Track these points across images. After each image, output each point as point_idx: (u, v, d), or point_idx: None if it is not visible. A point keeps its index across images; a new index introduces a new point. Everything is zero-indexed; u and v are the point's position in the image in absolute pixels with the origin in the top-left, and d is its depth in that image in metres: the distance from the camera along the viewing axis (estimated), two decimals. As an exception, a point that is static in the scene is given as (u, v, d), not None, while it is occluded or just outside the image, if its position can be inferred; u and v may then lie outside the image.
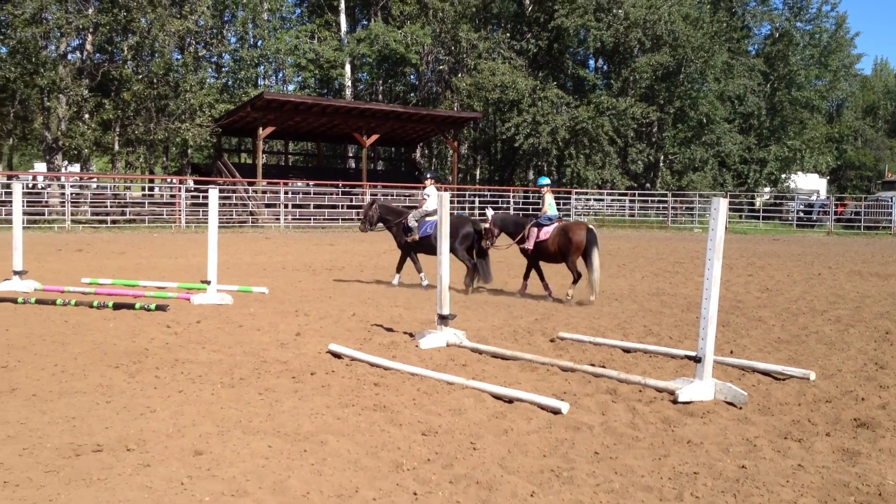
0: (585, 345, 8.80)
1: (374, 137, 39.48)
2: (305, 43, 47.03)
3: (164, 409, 5.92)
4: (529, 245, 13.35)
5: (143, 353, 7.83)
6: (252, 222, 34.03)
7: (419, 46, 46.61)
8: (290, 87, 51.45)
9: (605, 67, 51.61)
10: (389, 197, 37.57)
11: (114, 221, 31.96)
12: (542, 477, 4.73)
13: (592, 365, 7.62)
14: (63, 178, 34.82)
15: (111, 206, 33.70)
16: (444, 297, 8.74)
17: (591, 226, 13.08)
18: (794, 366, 7.69)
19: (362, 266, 18.02)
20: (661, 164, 49.87)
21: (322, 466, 4.81)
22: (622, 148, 46.70)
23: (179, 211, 33.03)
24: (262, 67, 47.75)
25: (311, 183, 38.55)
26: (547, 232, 13.20)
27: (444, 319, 8.71)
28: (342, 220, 35.73)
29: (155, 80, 36.81)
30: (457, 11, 46.65)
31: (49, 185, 35.50)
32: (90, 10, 35.47)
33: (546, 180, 14.29)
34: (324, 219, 35.67)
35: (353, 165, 50.15)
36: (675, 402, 6.36)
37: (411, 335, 9.10)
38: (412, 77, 53.70)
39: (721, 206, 6.39)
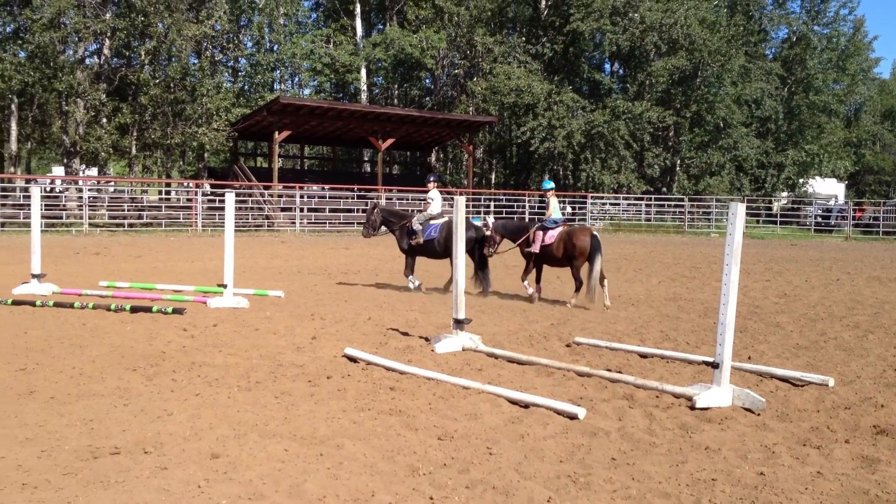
0: (602, 350, 8.77)
1: (390, 141, 39.52)
2: (321, 47, 47.19)
3: (181, 412, 5.94)
4: (536, 248, 13.40)
5: (160, 357, 7.86)
6: (268, 226, 34.13)
7: (434, 51, 46.65)
8: (306, 92, 51.67)
9: (621, 71, 51.47)
10: (404, 201, 37.63)
11: (131, 225, 32.13)
12: (559, 483, 4.71)
13: (609, 370, 7.59)
14: (81, 182, 35.04)
15: (128, 210, 33.88)
16: (460, 301, 8.74)
17: (595, 231, 13.07)
18: (812, 372, 7.64)
19: (377, 270, 18.04)
20: (678, 168, 49.65)
21: (338, 470, 4.80)
22: (638, 152, 46.54)
23: (196, 214, 33.17)
24: (279, 72, 47.91)
25: (327, 187, 38.64)
26: (552, 236, 13.23)
27: (459, 324, 8.70)
28: (357, 224, 35.76)
29: (172, 85, 37.01)
30: (472, 16, 46.65)
31: (67, 189, 35.74)
32: (108, 15, 35.73)
33: (551, 184, 14.28)
34: (339, 223, 35.73)
35: (369, 169, 50.24)
36: (692, 408, 6.32)
37: (427, 339, 9.09)
38: (427, 81, 53.75)
39: (739, 210, 6.36)
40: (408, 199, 38.51)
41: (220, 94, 38.77)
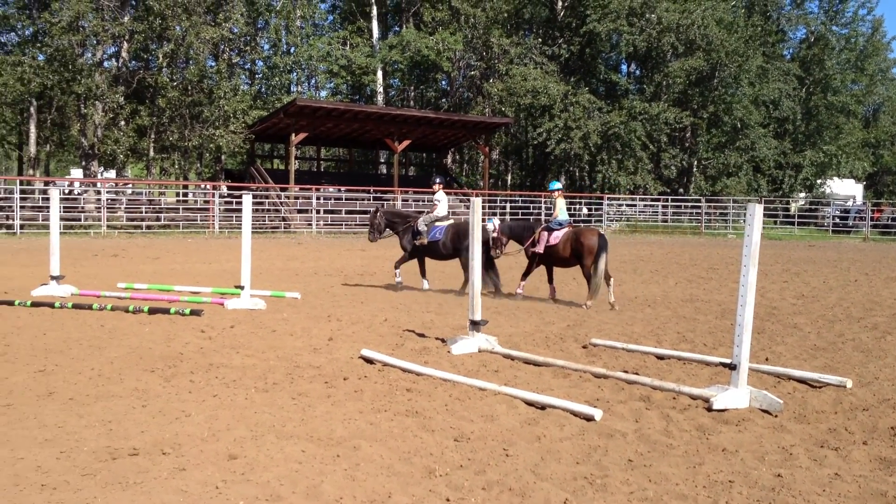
0: (618, 351, 8.75)
1: (406, 143, 39.56)
2: (338, 49, 47.33)
3: (198, 413, 5.97)
4: (540, 249, 13.48)
5: (177, 358, 7.90)
6: (284, 228, 34.24)
7: (451, 52, 46.67)
8: (323, 94, 51.79)
9: (638, 72, 51.35)
10: (420, 202, 37.65)
11: (148, 227, 32.31)
12: (576, 484, 4.70)
13: (626, 372, 7.58)
14: (99, 184, 35.27)
15: (146, 212, 34.06)
16: (476, 302, 8.74)
17: (601, 231, 13.12)
18: (830, 373, 7.59)
19: (394, 272, 18.06)
20: (695, 169, 49.46)
21: (355, 472, 4.82)
22: (655, 153, 46.41)
23: (213, 216, 33.33)
24: (295, 74, 48.09)
25: (343, 189, 38.73)
26: (557, 237, 13.29)
27: (475, 325, 8.70)
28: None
29: (189, 87, 37.19)
30: (488, 17, 46.63)
31: (85, 191, 35.98)
32: (126, 18, 35.96)
33: (557, 185, 14.30)
34: (355, 224, 35.78)
35: (385, 171, 50.31)
36: (709, 409, 6.30)
37: (443, 341, 9.10)
38: (443, 83, 53.79)
39: (757, 211, 6.33)
40: (424, 201, 38.52)
41: (238, 97, 38.94)
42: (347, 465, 4.92)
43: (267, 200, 35.79)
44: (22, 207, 29.72)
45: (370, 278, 16.59)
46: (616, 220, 43.00)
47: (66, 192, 36.83)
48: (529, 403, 6.40)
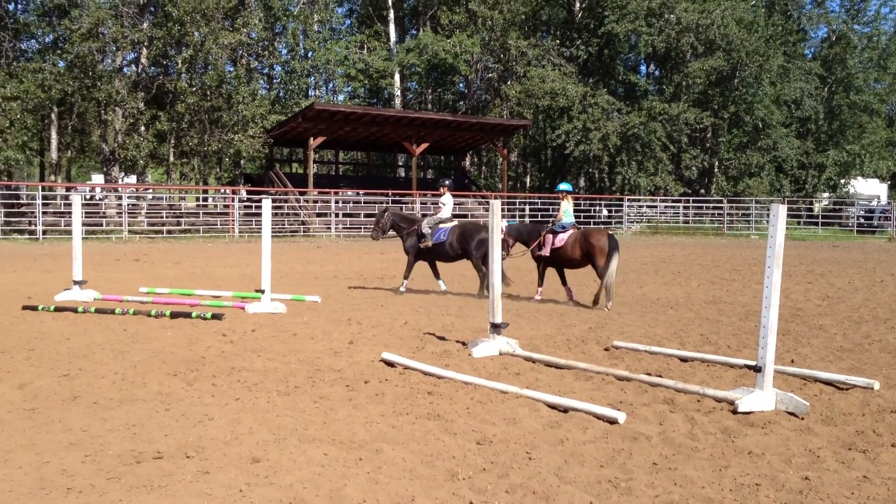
0: (641, 354, 8.70)
1: (424, 146, 39.58)
2: (355, 53, 47.44)
3: (221, 416, 5.98)
4: (546, 251, 13.48)
5: (200, 362, 7.92)
6: (304, 231, 34.33)
7: (468, 55, 46.68)
8: (340, 98, 51.93)
9: (657, 73, 51.16)
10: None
11: (169, 231, 32.49)
12: (600, 487, 4.67)
13: (649, 374, 7.52)
14: (120, 190, 35.51)
15: (167, 217, 34.25)
16: (497, 305, 8.71)
17: (610, 232, 13.13)
18: (857, 375, 7.52)
19: (413, 275, 18.05)
20: (716, 169, 49.21)
21: (378, 475, 4.81)
22: (675, 154, 46.21)
23: (233, 221, 33.47)
24: (313, 78, 48.24)
25: (362, 192, 38.79)
26: (562, 239, 13.30)
27: (496, 328, 8.67)
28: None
29: (208, 93, 37.40)
30: (506, 19, 46.59)
31: (106, 197, 36.23)
32: (145, 25, 36.20)
33: (565, 186, 14.17)
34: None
35: (403, 174, 50.34)
36: (734, 412, 6.24)
37: (464, 344, 9.08)
38: (461, 85, 53.81)
39: (780, 212, 6.27)
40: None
41: (256, 102, 39.11)
42: (370, 469, 4.91)
43: (286, 204, 35.90)
44: (44, 213, 29.95)
45: (390, 281, 16.59)
46: (637, 222, 42.83)
47: (88, 197, 37.15)
48: (552, 406, 6.37)
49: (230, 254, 24.38)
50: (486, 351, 8.54)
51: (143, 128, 36.58)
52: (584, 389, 7.06)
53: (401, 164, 52.34)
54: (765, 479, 4.81)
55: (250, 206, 34.54)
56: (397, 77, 48.51)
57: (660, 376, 7.44)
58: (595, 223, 41.22)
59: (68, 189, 36.93)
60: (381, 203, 36.89)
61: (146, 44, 36.52)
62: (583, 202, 43.32)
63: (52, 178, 39.44)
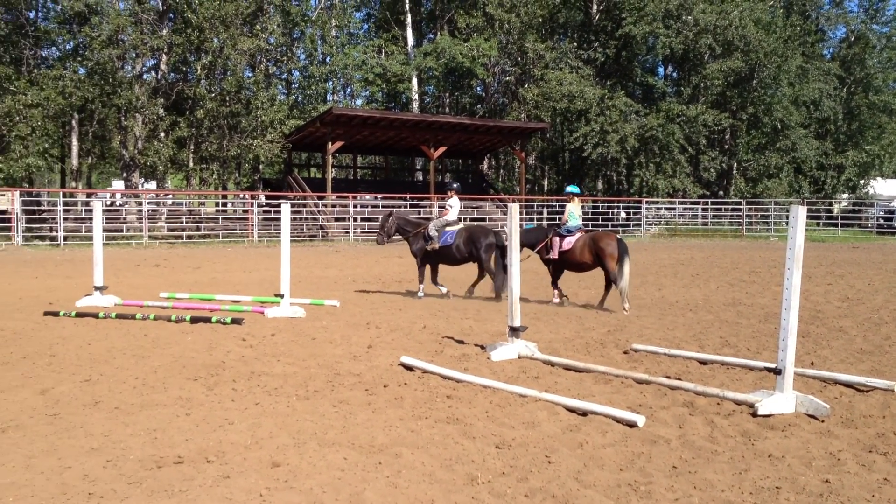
0: (660, 356, 8.67)
1: (442, 150, 39.62)
2: (373, 58, 47.58)
3: (241, 421, 6.01)
4: (554, 255, 13.57)
5: (220, 366, 7.97)
6: (322, 236, 34.42)
7: (485, 58, 46.69)
8: (358, 102, 52.09)
9: (675, 74, 50.94)
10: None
11: (189, 237, 32.67)
12: (620, 491, 4.66)
13: (668, 377, 7.50)
14: (140, 196, 35.74)
15: (186, 222, 34.44)
16: (515, 308, 8.71)
17: (618, 236, 13.19)
18: (877, 377, 7.47)
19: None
20: (735, 171, 48.95)
21: (397, 479, 4.82)
22: (693, 156, 45.99)
23: (252, 226, 33.62)
24: (331, 83, 48.37)
25: (380, 196, 38.87)
26: (570, 242, 13.38)
27: (515, 331, 8.67)
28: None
29: (227, 98, 37.58)
30: (523, 23, 46.54)
31: (127, 203, 36.48)
32: (164, 31, 36.44)
33: (573, 189, 14.21)
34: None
35: (421, 178, 50.44)
36: (754, 415, 6.21)
37: (482, 347, 9.08)
38: (479, 89, 53.78)
39: (800, 213, 6.24)
40: (460, 207, 38.48)
41: (275, 107, 39.28)
42: (389, 473, 4.92)
43: (304, 209, 36.02)
44: (65, 219, 30.18)
45: (408, 285, 16.61)
46: (655, 224, 42.68)
47: (108, 203, 37.39)
48: (571, 410, 6.37)
49: (249, 258, 24.49)
50: (505, 354, 8.54)
51: (162, 134, 36.81)
52: (603, 393, 7.05)
53: (418, 167, 52.42)
54: (785, 482, 4.79)
55: (269, 211, 34.68)
56: (415, 81, 48.59)
57: (679, 379, 7.42)
58: (613, 226, 41.13)
59: (89, 195, 37.24)
60: (400, 207, 37.00)
61: (166, 50, 36.77)
62: (601, 205, 43.22)
63: (73, 184, 39.74)
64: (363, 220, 36.18)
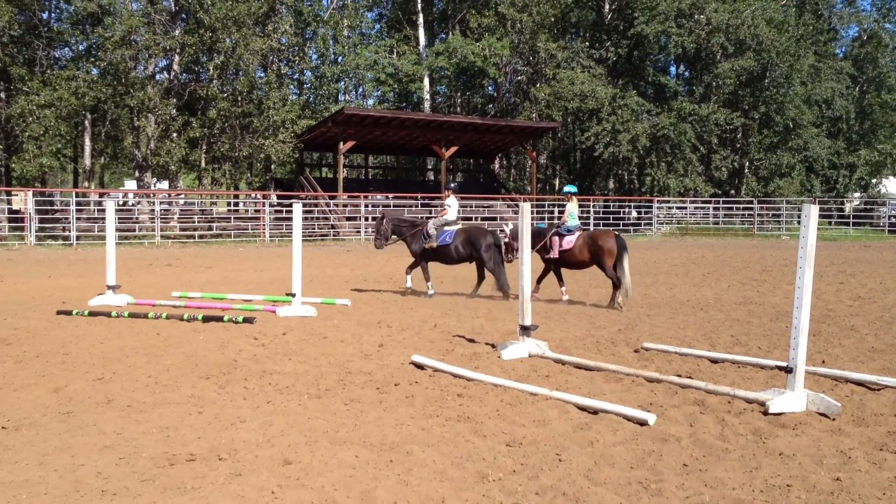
0: (671, 355, 8.67)
1: (453, 150, 39.61)
2: (385, 58, 47.57)
3: (253, 419, 6.04)
4: (555, 254, 13.72)
5: (232, 365, 8.00)
6: (333, 235, 34.48)
7: (497, 58, 46.66)
8: (370, 102, 52.10)
9: (687, 74, 50.78)
10: (467, 208, 37.72)
11: (201, 236, 32.77)
12: (630, 489, 4.67)
13: (679, 376, 7.50)
14: (152, 195, 35.88)
15: (198, 222, 34.55)
16: (526, 307, 8.72)
17: (617, 233, 13.31)
18: (888, 375, 7.46)
19: (442, 278, 18.08)
20: (747, 170, 48.75)
21: (408, 477, 4.84)
22: (705, 155, 45.84)
23: (263, 225, 33.69)
24: (343, 83, 48.40)
25: (391, 196, 38.89)
26: (570, 241, 13.52)
27: (525, 330, 8.68)
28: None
29: (239, 98, 37.65)
30: (535, 22, 46.46)
31: (139, 202, 36.61)
32: (177, 32, 36.54)
33: (571, 188, 14.33)
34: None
35: (432, 178, 50.43)
36: (765, 413, 6.21)
37: (493, 346, 9.10)
38: (490, 88, 53.75)
39: (812, 212, 6.23)
40: (471, 207, 38.58)
41: (286, 107, 39.33)
42: (400, 471, 4.94)
43: (316, 208, 36.07)
44: (78, 219, 30.32)
45: (419, 284, 16.62)
46: (666, 223, 42.57)
47: (121, 203, 37.54)
48: (581, 408, 6.38)
49: (261, 258, 24.56)
50: (516, 353, 8.55)
51: (175, 134, 36.91)
52: (613, 391, 7.06)
53: (430, 167, 52.42)
54: (796, 480, 4.79)
55: (281, 211, 34.74)
56: (426, 81, 48.58)
57: (690, 378, 7.42)
58: (624, 225, 41.06)
59: (101, 195, 37.40)
60: (411, 206, 37.04)
61: (178, 51, 36.87)
62: (612, 204, 43.12)
63: (86, 184, 39.92)
64: (374, 219, 36.11)
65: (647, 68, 48.59)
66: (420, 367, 7.96)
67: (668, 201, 44.00)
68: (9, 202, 32.21)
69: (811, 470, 4.98)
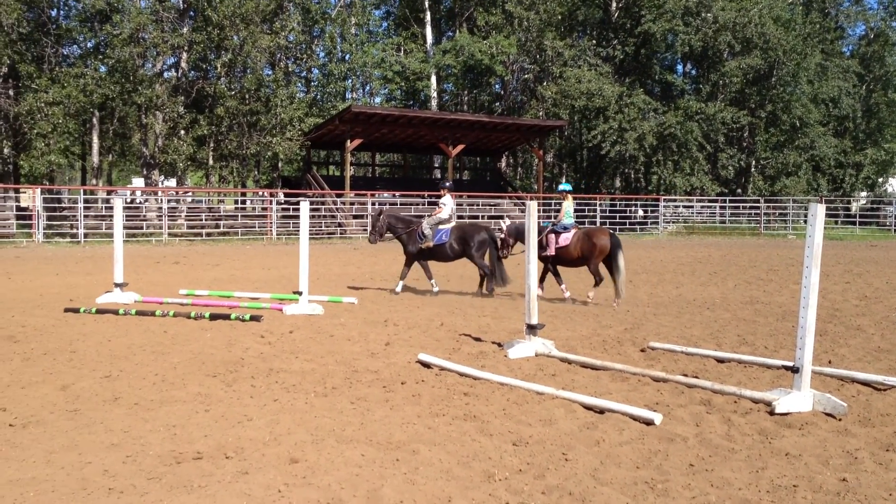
0: (677, 355, 8.67)
1: (460, 148, 39.61)
2: (392, 56, 47.62)
3: (260, 417, 6.05)
4: (551, 251, 13.81)
5: (238, 363, 8.02)
6: (340, 233, 34.51)
7: (504, 56, 46.64)
8: (377, 100, 52.15)
9: (694, 72, 50.72)
10: (474, 206, 37.71)
11: (208, 234, 32.82)
12: (636, 489, 4.68)
13: (685, 375, 7.50)
14: (160, 193, 35.95)
15: (206, 220, 34.60)
16: (533, 306, 8.72)
17: (611, 231, 13.39)
18: (895, 376, 7.44)
19: (448, 276, 18.09)
20: (753, 169, 48.67)
21: (414, 475, 4.85)
22: (712, 153, 45.79)
23: (271, 223, 33.74)
24: (350, 81, 48.44)
25: (398, 194, 38.91)
26: (567, 238, 13.68)
27: (532, 329, 8.68)
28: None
29: (247, 96, 37.71)
30: (542, 20, 46.43)
31: (147, 200, 36.67)
32: (185, 29, 36.60)
33: (567, 186, 14.49)
34: (411, 229, 35.81)
35: (439, 176, 50.43)
36: (771, 413, 6.21)
37: (500, 345, 9.10)
38: (497, 86, 53.74)
39: (818, 212, 6.23)
40: (478, 205, 38.56)
41: (294, 105, 39.35)
42: (407, 469, 4.95)
43: (323, 206, 36.10)
44: (86, 216, 30.38)
45: (425, 283, 16.63)
46: (673, 222, 42.52)
47: (129, 201, 37.63)
48: (588, 407, 6.38)
49: (268, 256, 24.59)
50: (522, 352, 8.55)
51: (182, 131, 36.96)
52: (620, 390, 7.06)
53: (437, 165, 52.43)
54: (802, 480, 4.79)
55: (288, 209, 34.80)
56: (434, 79, 48.59)
57: (696, 377, 7.41)
58: (630, 223, 41.01)
59: (109, 193, 37.47)
60: (418, 205, 37.02)
61: (186, 48, 36.92)
62: (618, 202, 43.05)
63: (94, 181, 39.99)
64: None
65: (653, 66, 48.53)
66: (426, 365, 7.97)
67: (675, 200, 43.95)
68: (17, 199, 32.25)
69: (817, 470, 4.98)
